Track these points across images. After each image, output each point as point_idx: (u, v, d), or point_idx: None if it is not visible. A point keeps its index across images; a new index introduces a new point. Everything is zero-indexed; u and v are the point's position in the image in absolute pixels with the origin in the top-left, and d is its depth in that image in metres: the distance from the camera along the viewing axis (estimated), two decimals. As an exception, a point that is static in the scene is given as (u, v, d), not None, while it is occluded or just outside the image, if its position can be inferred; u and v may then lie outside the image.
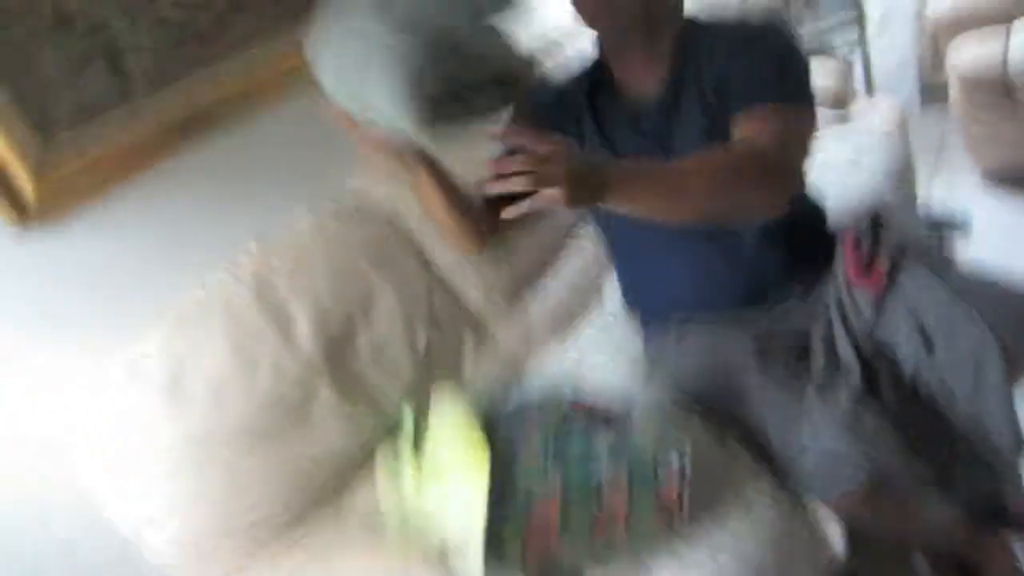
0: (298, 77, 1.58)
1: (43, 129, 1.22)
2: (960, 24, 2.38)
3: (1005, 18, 2.30)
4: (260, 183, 1.56)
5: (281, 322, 1.34)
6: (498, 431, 1.05)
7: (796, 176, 1.06)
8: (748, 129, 1.01)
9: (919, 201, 2.01)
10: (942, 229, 1.26)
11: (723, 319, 1.23)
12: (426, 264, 1.63)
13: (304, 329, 1.35)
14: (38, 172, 1.20)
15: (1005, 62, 2.21)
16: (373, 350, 1.44)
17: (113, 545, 1.21)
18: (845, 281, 1.14)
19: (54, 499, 1.20)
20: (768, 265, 1.22)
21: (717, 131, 1.06)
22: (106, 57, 1.29)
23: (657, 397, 1.21)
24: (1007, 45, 2.23)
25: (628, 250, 1.34)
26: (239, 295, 1.32)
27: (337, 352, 1.39)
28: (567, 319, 1.72)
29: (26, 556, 1.18)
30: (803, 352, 1.15)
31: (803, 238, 1.23)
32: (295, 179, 1.59)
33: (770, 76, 1.04)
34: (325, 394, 1.35)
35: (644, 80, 1.17)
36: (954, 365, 1.03)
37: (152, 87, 1.36)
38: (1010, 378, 1.01)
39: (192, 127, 1.42)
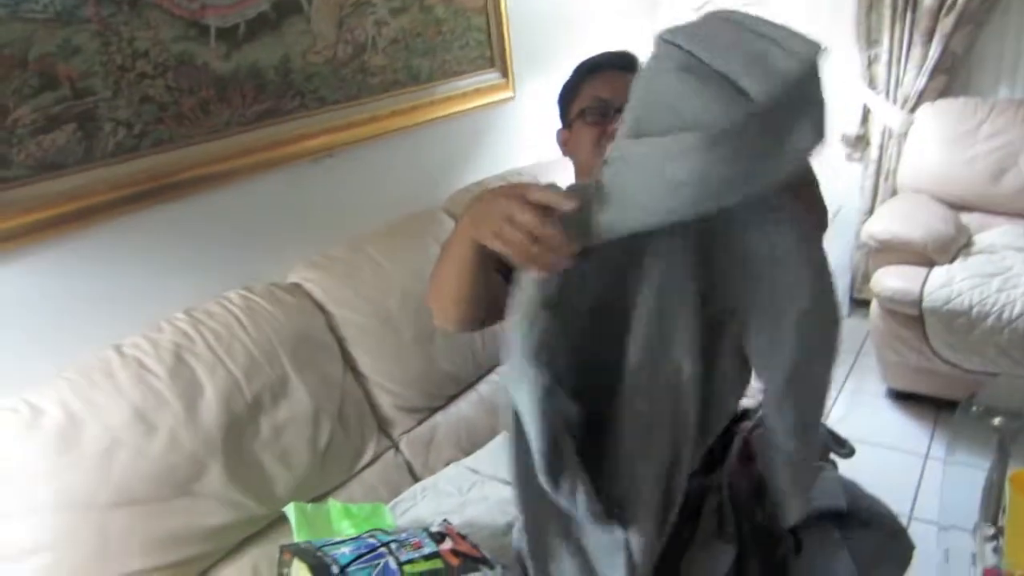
0: (267, 166, 1.72)
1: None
2: (889, 253, 2.59)
3: (927, 262, 2.52)
4: (206, 256, 1.63)
5: (189, 393, 1.37)
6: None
7: None
8: None
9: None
10: (828, 445, 1.37)
11: None
12: (346, 363, 1.69)
13: (211, 403, 1.38)
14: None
15: (920, 300, 2.39)
16: (273, 437, 1.47)
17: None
18: (730, 470, 1.24)
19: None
20: None
21: None
22: (80, 121, 1.38)
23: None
24: (924, 286, 2.41)
25: None
26: (152, 361, 1.36)
27: (238, 432, 1.41)
28: (470, 438, 1.78)
29: None
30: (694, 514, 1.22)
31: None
32: (241, 257, 1.67)
33: None
34: (215, 474, 1.36)
35: None
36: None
37: (116, 156, 1.44)
38: None
39: (148, 196, 1.50)
